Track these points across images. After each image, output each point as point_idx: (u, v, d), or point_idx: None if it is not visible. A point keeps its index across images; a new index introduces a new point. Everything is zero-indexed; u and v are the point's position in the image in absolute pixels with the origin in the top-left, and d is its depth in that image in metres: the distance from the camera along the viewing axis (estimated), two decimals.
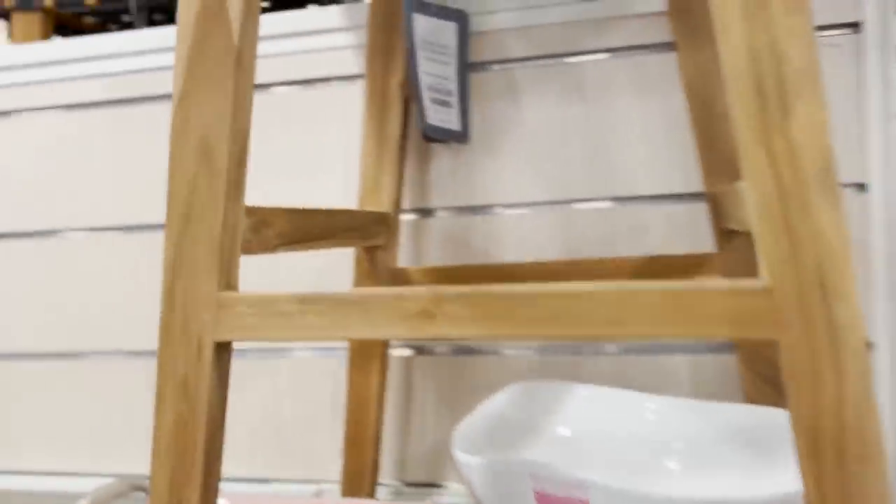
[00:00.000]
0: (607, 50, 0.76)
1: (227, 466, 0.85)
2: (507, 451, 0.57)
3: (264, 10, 1.15)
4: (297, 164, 0.83)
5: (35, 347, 0.92)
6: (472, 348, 0.80)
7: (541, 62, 0.77)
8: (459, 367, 0.80)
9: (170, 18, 1.03)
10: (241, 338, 0.45)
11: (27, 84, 0.91)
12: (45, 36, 1.00)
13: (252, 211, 0.50)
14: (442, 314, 0.43)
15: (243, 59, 0.45)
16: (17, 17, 0.99)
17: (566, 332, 0.41)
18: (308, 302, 0.44)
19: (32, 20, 0.98)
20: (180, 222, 0.46)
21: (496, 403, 0.64)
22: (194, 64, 0.45)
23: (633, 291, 0.39)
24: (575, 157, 0.77)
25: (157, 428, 0.47)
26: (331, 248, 0.62)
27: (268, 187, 0.84)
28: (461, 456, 0.55)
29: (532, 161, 0.77)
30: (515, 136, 0.78)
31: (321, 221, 0.60)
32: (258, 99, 0.84)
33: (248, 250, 0.50)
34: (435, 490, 0.80)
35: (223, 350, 0.46)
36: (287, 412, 0.84)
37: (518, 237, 0.78)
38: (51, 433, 0.92)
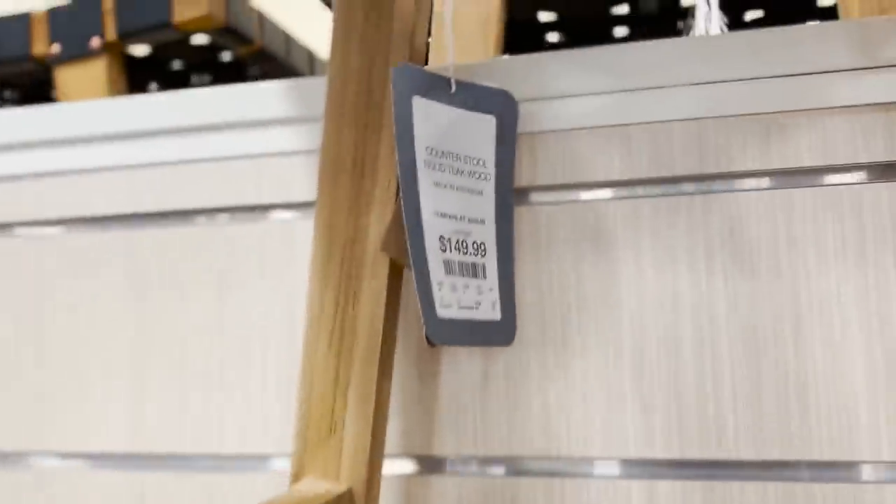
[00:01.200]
0: (795, 171, 0.40)
1: None
2: None
3: (175, 81, 0.80)
4: (188, 370, 0.46)
5: None
6: None
7: (658, 189, 0.41)
8: None
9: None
10: None
11: None
12: None
13: None
14: None
15: None
16: None
17: None
18: None
19: None
20: None
21: None
22: None
23: None
24: (726, 379, 0.39)
25: None
26: None
27: (130, 426, 0.47)
28: None
29: (639, 379, 0.40)
30: (605, 331, 0.41)
31: None
32: (111, 241, 0.48)
33: None
34: None
35: None
36: None
37: None
38: None
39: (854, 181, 0.39)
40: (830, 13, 0.59)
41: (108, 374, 0.48)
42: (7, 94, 0.68)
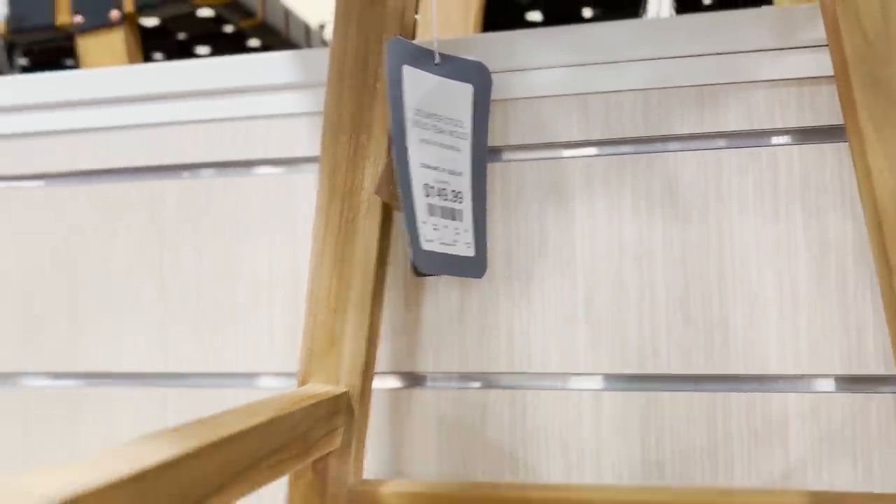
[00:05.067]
0: (723, 134, 0.47)
1: None
2: None
3: (179, 50, 0.87)
4: (205, 301, 0.53)
5: None
6: None
7: (609, 149, 0.49)
8: None
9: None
10: None
11: None
12: None
13: None
14: None
15: None
16: None
17: None
18: None
19: None
20: None
21: None
22: None
23: None
24: (661, 308, 0.47)
25: None
26: None
27: (155, 349, 0.54)
28: None
29: (590, 308, 0.48)
30: (562, 269, 0.48)
31: (198, 470, 0.29)
32: (135, 191, 0.55)
33: None
34: None
35: None
36: None
37: (564, 435, 0.48)
38: None
39: (771, 144, 0.47)
40: (768, 1, 0.67)
41: (136, 305, 0.55)
42: (21, 60, 0.74)
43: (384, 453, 0.50)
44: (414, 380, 0.51)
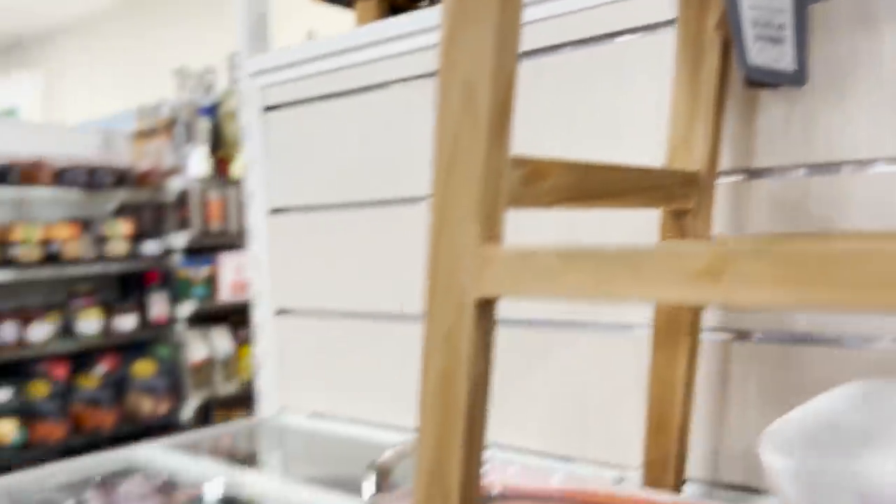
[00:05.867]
0: None
1: (525, 439, 0.83)
2: (832, 458, 0.46)
3: None
4: (599, 125, 0.78)
5: (366, 307, 1.00)
6: (804, 336, 0.66)
7: None
8: (788, 358, 0.67)
9: None
10: (500, 293, 0.42)
11: (368, 62, 0.99)
12: (382, 17, 1.08)
13: (522, 162, 0.46)
14: (731, 273, 0.34)
15: None
16: (360, 5, 1.08)
17: None
18: (570, 258, 0.39)
19: (371, 6, 1.06)
20: (445, 172, 0.44)
21: (825, 402, 0.52)
22: (460, 1, 0.42)
23: None
24: None
25: (424, 382, 0.46)
26: (621, 207, 0.56)
27: (569, 150, 0.80)
28: (770, 456, 0.45)
29: (894, 107, 0.61)
30: (871, 77, 0.62)
31: (608, 177, 0.53)
32: (555, 62, 0.80)
33: (518, 203, 0.46)
34: (752, 496, 0.69)
35: (486, 306, 0.44)
36: (588, 389, 0.79)
37: (873, 203, 0.63)
38: (371, 385, 0.99)
39: None
40: None
41: (633, 119, 0.82)
42: None
43: (729, 221, 0.70)
44: (751, 174, 0.69)
